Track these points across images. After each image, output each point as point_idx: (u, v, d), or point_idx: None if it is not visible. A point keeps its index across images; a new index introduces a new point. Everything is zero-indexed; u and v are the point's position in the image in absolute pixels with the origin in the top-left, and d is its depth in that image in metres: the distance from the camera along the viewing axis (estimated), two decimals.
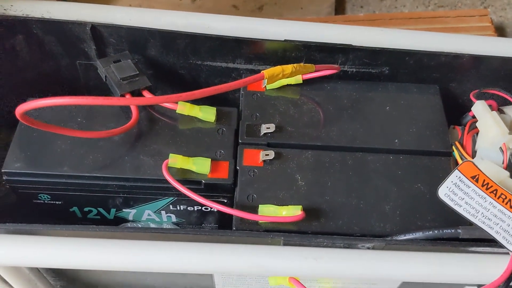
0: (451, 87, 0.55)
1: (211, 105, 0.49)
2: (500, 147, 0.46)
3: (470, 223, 0.40)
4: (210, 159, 0.45)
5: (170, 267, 0.38)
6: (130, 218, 0.51)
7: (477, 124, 0.49)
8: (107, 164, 0.45)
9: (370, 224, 0.43)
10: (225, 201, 0.47)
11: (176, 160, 0.44)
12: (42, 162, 0.45)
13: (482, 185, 0.40)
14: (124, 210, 0.50)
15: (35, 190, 0.47)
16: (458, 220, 0.41)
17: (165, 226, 0.52)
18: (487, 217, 0.39)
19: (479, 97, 0.50)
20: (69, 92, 0.54)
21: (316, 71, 0.49)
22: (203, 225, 0.52)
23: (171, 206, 0.49)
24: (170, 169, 0.44)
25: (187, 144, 0.47)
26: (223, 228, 0.49)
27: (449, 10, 0.91)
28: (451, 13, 0.84)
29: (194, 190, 0.43)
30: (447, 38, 0.53)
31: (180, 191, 0.43)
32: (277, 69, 0.45)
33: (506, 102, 0.51)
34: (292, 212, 0.42)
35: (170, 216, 0.51)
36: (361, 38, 0.52)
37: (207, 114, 0.48)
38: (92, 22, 0.50)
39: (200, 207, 0.49)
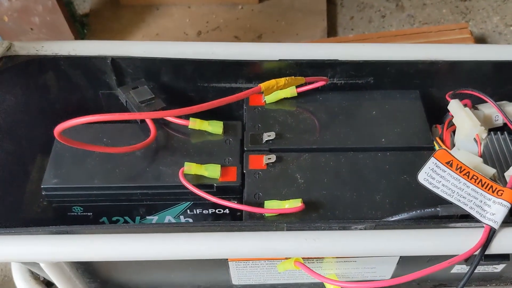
0: (431, 91, 0.61)
1: (218, 120, 0.56)
2: (474, 138, 0.52)
3: (448, 203, 0.45)
4: (220, 165, 0.52)
5: (191, 254, 0.44)
6: None
7: (453, 120, 0.55)
8: (131, 175, 0.52)
9: (363, 212, 0.49)
10: (235, 202, 0.53)
11: (191, 168, 0.51)
12: (75, 177, 0.52)
13: (456, 169, 0.45)
14: (147, 217, 0.56)
15: (69, 203, 0.54)
16: (439, 203, 0.46)
17: None
18: (462, 196, 0.45)
19: (454, 97, 0.57)
20: None
21: (307, 83, 0.56)
22: None
23: (188, 210, 0.55)
24: (186, 176, 0.51)
25: (199, 154, 0.54)
26: None
27: (432, 26, 0.98)
28: (434, 28, 0.92)
29: (208, 193, 0.50)
30: (423, 47, 0.60)
31: (196, 194, 0.50)
32: (272, 82, 0.52)
33: (481, 101, 0.58)
34: (293, 204, 0.48)
35: (188, 220, 0.57)
36: (346, 53, 0.59)
37: (216, 127, 0.55)
38: (112, 55, 0.57)
39: (214, 210, 0.55)
